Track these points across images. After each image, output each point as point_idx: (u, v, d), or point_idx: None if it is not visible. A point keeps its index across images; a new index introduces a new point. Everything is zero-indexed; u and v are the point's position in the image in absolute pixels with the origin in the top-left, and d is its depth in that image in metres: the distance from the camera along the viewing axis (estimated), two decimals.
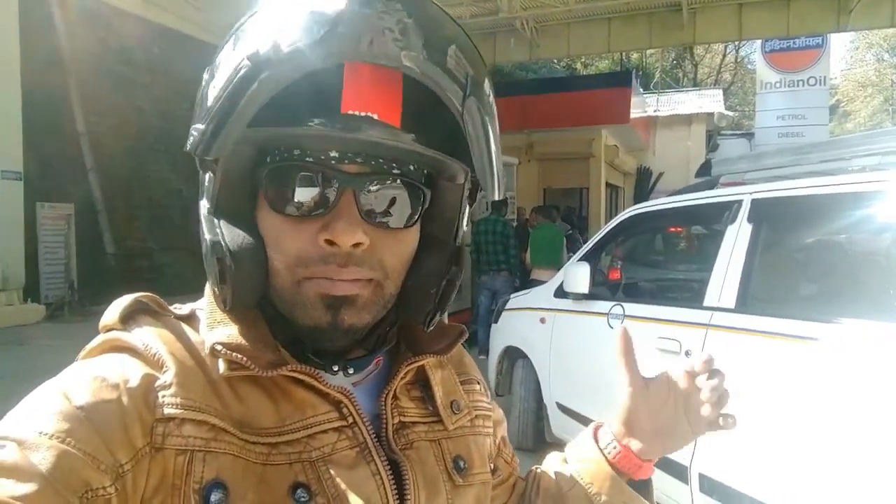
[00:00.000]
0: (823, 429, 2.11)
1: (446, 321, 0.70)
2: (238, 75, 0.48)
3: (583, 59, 24.84)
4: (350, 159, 0.54)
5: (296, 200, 0.54)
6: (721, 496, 2.40)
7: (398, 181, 0.56)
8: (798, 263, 2.70)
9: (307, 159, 0.54)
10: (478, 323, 6.75)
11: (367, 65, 0.50)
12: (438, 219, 0.62)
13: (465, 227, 0.65)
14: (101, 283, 9.34)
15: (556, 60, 21.50)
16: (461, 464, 0.64)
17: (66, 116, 9.38)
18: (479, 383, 0.76)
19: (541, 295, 4.12)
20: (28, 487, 0.43)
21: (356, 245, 0.53)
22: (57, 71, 9.07)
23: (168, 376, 0.52)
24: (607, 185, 16.30)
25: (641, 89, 19.48)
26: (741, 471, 2.34)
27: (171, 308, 0.61)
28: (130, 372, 0.52)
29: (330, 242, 0.53)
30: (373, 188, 0.55)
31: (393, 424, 0.61)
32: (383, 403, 0.61)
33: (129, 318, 0.58)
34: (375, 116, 0.52)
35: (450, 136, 0.56)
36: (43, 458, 0.45)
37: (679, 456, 2.62)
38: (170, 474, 0.49)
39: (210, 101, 0.51)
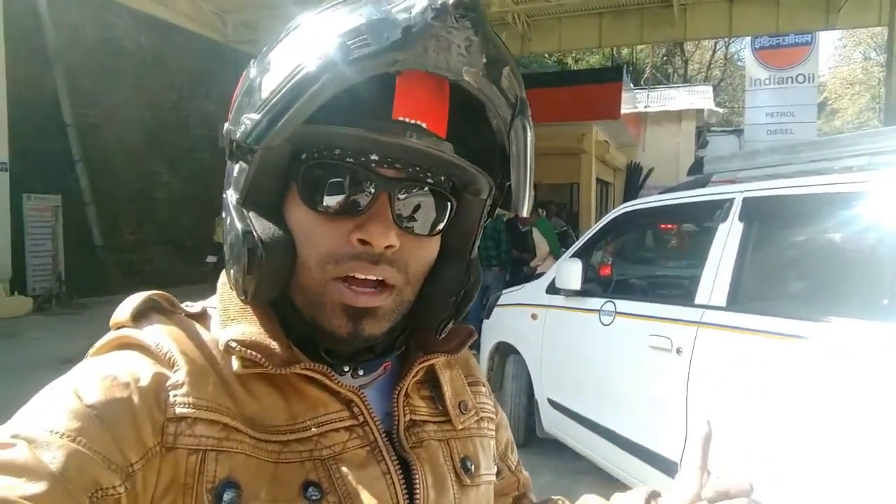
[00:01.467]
0: (814, 427, 2.14)
1: None
2: (301, 72, 0.49)
3: (574, 54, 24.84)
4: (389, 164, 0.55)
5: (331, 198, 0.55)
6: None
7: (428, 190, 0.58)
8: (789, 262, 2.73)
9: (347, 160, 0.55)
10: (468, 318, 6.76)
11: (422, 75, 0.52)
12: (458, 230, 0.64)
13: (478, 242, 0.67)
14: (89, 275, 9.28)
15: (547, 55, 21.49)
16: (468, 464, 0.65)
17: (52, 107, 9.28)
18: (484, 385, 0.76)
19: (532, 291, 4.14)
20: (38, 487, 0.43)
21: (388, 247, 0.55)
22: (43, 61, 8.97)
23: (179, 375, 0.52)
24: (598, 180, 16.34)
25: (632, 85, 19.53)
26: (733, 468, 2.37)
27: (183, 306, 0.61)
28: (141, 370, 0.52)
29: (363, 242, 0.54)
30: (406, 194, 0.56)
31: (404, 422, 0.62)
32: (395, 401, 0.62)
33: (140, 316, 0.58)
34: (424, 125, 0.54)
35: (480, 150, 0.60)
36: (53, 458, 0.45)
37: (669, 451, 2.65)
38: (181, 474, 0.49)
39: (266, 94, 0.52)
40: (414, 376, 0.64)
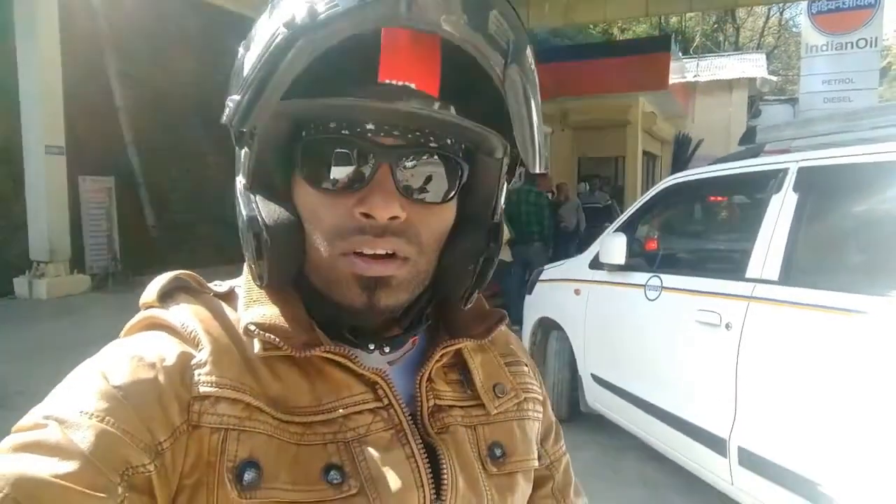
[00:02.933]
0: (870, 405, 2.06)
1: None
2: (273, 43, 0.47)
3: (620, 24, 24.15)
4: (386, 132, 0.52)
5: (331, 174, 0.53)
6: (761, 471, 2.37)
7: (435, 155, 0.55)
8: (846, 234, 2.61)
9: (343, 132, 0.52)
10: (510, 293, 6.73)
11: (406, 32, 0.49)
12: (476, 194, 0.60)
13: (502, 203, 0.63)
14: (143, 253, 9.60)
15: (592, 26, 20.94)
16: (497, 451, 0.62)
17: (104, 92, 9.54)
18: (526, 366, 0.72)
19: (575, 266, 4.08)
20: (70, 466, 0.44)
21: (392, 218, 0.52)
22: (94, 47, 9.20)
23: (204, 354, 0.52)
24: (644, 153, 15.96)
25: (681, 54, 18.90)
26: (783, 445, 2.31)
27: (210, 285, 0.61)
28: (167, 350, 0.52)
29: (366, 215, 0.52)
30: (409, 162, 0.54)
31: (428, 407, 0.59)
32: (418, 386, 0.60)
33: (167, 296, 0.58)
34: (413, 86, 0.51)
35: (489, 107, 0.54)
36: (84, 437, 0.45)
37: (717, 428, 2.59)
38: (205, 452, 0.49)
39: (246, 71, 0.50)
40: (437, 361, 0.61)
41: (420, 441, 0.57)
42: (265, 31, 0.50)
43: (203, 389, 0.50)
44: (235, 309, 0.58)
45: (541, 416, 0.71)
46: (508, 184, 0.63)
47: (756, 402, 2.46)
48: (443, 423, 0.59)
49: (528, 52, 0.54)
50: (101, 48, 9.27)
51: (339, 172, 0.53)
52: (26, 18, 7.93)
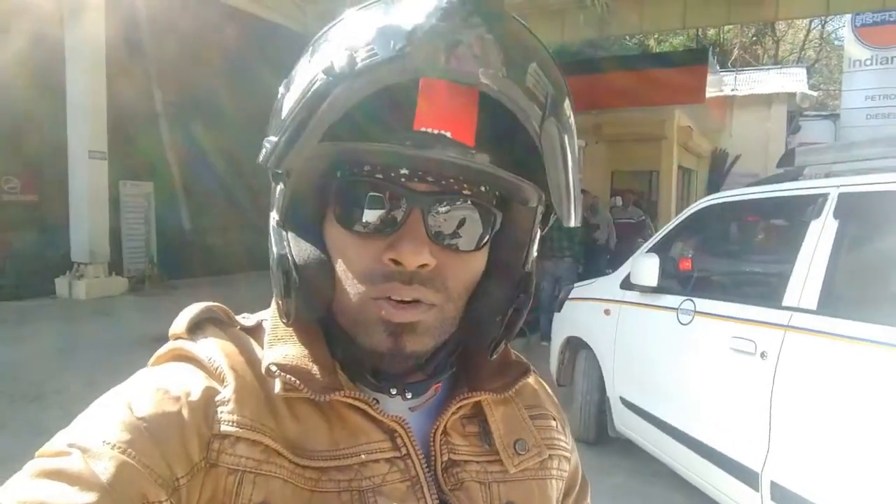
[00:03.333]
0: None
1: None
2: (312, 89, 0.48)
3: (656, 36, 23.92)
4: (420, 178, 0.52)
5: (363, 217, 0.53)
6: None
7: (468, 202, 0.55)
8: (887, 263, 2.53)
9: (377, 176, 0.52)
10: (540, 309, 6.68)
11: (443, 81, 0.49)
12: (508, 243, 0.60)
13: (534, 253, 0.62)
14: (179, 258, 9.81)
15: (627, 37, 20.78)
16: None
17: (146, 98, 9.79)
18: (555, 419, 0.69)
19: (605, 285, 4.03)
20: (89, 497, 0.44)
21: (422, 266, 0.52)
22: (137, 54, 9.45)
23: (228, 392, 0.52)
24: (680, 168, 15.71)
25: (718, 67, 18.60)
26: (818, 482, 2.23)
27: (239, 318, 0.62)
28: (192, 384, 0.52)
29: (395, 262, 0.52)
30: (442, 209, 0.54)
31: (442, 462, 0.58)
32: (432, 439, 0.59)
33: (196, 328, 0.58)
34: (448, 135, 0.51)
35: (525, 157, 0.54)
36: (105, 468, 0.45)
37: (750, 460, 2.53)
38: (220, 492, 0.49)
39: (284, 114, 0.51)
40: (453, 414, 0.60)
41: (435, 495, 0.56)
42: (305, 75, 0.51)
43: (224, 428, 0.51)
44: (261, 344, 0.58)
45: (565, 474, 0.69)
46: (542, 232, 0.62)
47: (791, 435, 2.39)
48: (457, 479, 0.58)
49: (567, 103, 0.54)
50: (143, 55, 9.52)
51: (371, 215, 0.53)
52: (75, 29, 8.20)
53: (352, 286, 0.54)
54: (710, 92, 13.73)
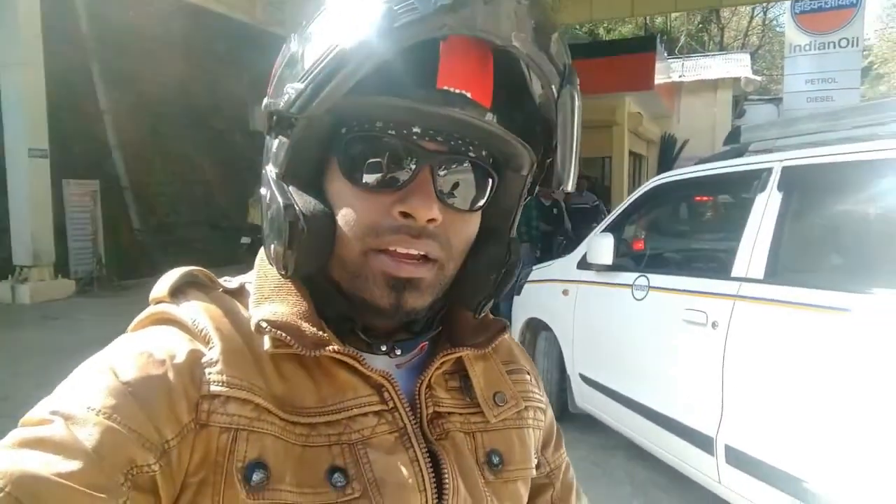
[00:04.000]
0: (855, 402, 2.08)
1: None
2: (347, 39, 0.48)
3: (606, 24, 24.27)
4: (431, 136, 0.54)
5: (373, 172, 0.54)
6: (748, 468, 2.39)
7: (470, 164, 0.57)
8: (830, 233, 2.63)
9: (389, 132, 0.53)
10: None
11: (465, 41, 0.51)
12: (498, 208, 0.62)
13: (518, 220, 0.65)
14: (129, 258, 9.53)
15: (578, 26, 21.03)
16: (495, 459, 0.62)
17: (88, 95, 9.46)
18: (528, 374, 0.73)
19: (563, 266, 4.10)
20: (73, 465, 0.43)
21: (430, 221, 0.53)
22: (78, 49, 9.11)
23: (214, 353, 0.52)
24: (631, 153, 16.05)
25: (666, 54, 19.02)
26: (770, 443, 2.32)
27: (221, 281, 0.61)
28: (177, 347, 0.52)
29: (405, 215, 0.53)
30: (448, 168, 0.55)
31: (427, 414, 0.60)
32: (417, 393, 0.60)
33: (178, 292, 0.58)
34: (469, 95, 0.52)
35: (525, 124, 0.58)
36: (89, 435, 0.45)
37: (704, 426, 2.61)
38: (213, 451, 0.49)
39: (309, 64, 0.51)
40: (436, 368, 0.62)
41: (424, 445, 0.57)
42: (335, 27, 0.50)
43: (213, 388, 0.50)
44: (245, 306, 0.58)
45: (542, 423, 0.72)
46: (525, 200, 0.65)
47: (742, 400, 2.48)
48: (442, 429, 0.60)
49: (577, 78, 0.57)
50: (84, 49, 9.18)
51: (381, 170, 0.54)
52: (7, 18, 7.83)
53: (356, 239, 0.54)
54: (659, 79, 14.04)
